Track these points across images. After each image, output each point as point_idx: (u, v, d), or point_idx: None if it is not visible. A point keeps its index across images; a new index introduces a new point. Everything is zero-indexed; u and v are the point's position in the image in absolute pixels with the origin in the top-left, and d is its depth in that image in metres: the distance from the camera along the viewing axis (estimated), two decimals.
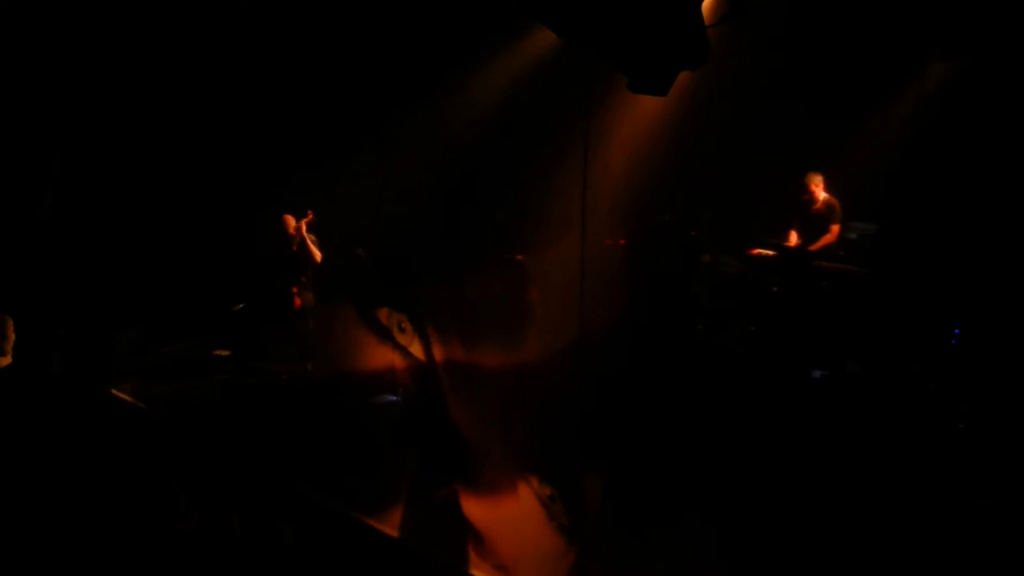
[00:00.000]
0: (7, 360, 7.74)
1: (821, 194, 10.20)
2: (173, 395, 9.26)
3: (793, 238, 10.47)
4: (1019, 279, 9.14)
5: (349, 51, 11.16)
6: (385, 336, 9.65)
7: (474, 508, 7.59)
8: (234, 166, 11.19)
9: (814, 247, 10.18)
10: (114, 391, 9.02)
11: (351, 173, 11.23)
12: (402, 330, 9.75)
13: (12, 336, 7.76)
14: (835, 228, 10.15)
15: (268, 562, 6.61)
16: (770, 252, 10.30)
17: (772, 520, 7.07)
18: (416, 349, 9.52)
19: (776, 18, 9.73)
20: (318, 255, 10.55)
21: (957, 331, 9.23)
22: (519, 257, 10.73)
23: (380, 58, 11.20)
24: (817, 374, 9.33)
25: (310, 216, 10.51)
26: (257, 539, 6.69)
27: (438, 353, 9.02)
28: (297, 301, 10.45)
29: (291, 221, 10.62)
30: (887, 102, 10.53)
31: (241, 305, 10.56)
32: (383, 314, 9.82)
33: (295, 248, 10.48)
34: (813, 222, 10.26)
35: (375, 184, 11.42)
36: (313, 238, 10.54)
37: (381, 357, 9.50)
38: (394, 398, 9.41)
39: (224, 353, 10.40)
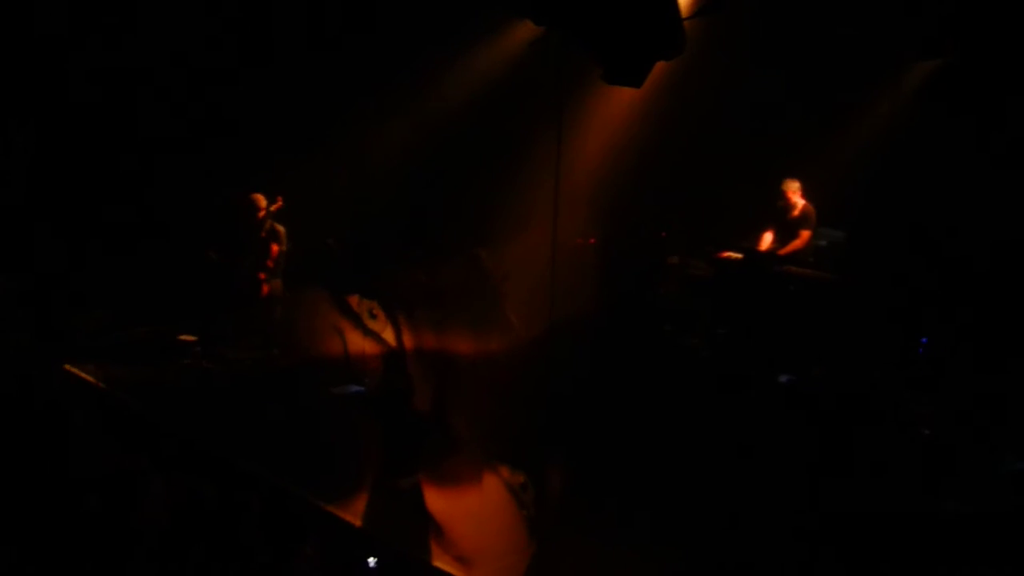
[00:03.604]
0: None
1: (799, 200, 10.17)
2: (136, 378, 9.17)
3: (766, 241, 10.50)
4: (988, 289, 9.23)
5: (323, 41, 11.12)
6: (357, 322, 9.63)
7: (438, 499, 7.59)
8: (206, 152, 11.08)
9: (782, 252, 10.22)
10: (76, 370, 8.93)
11: (323, 162, 11.17)
12: (373, 316, 9.72)
13: None
14: (805, 234, 10.15)
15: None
16: (738, 255, 10.34)
17: (736, 522, 7.10)
18: (388, 335, 9.51)
19: (754, 15, 9.82)
20: (276, 248, 10.37)
21: (925, 340, 9.29)
22: (478, 250, 10.76)
23: (354, 48, 11.16)
24: (784, 378, 9.35)
25: (280, 202, 10.38)
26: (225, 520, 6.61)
27: (408, 341, 9.02)
28: (265, 288, 10.32)
29: (262, 201, 10.34)
30: (862, 109, 10.61)
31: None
32: (354, 301, 9.80)
33: (264, 235, 10.33)
34: (788, 227, 10.28)
35: (347, 173, 11.38)
36: (281, 228, 10.42)
37: (349, 345, 9.46)
38: (360, 388, 9.36)
39: (190, 338, 10.27)
